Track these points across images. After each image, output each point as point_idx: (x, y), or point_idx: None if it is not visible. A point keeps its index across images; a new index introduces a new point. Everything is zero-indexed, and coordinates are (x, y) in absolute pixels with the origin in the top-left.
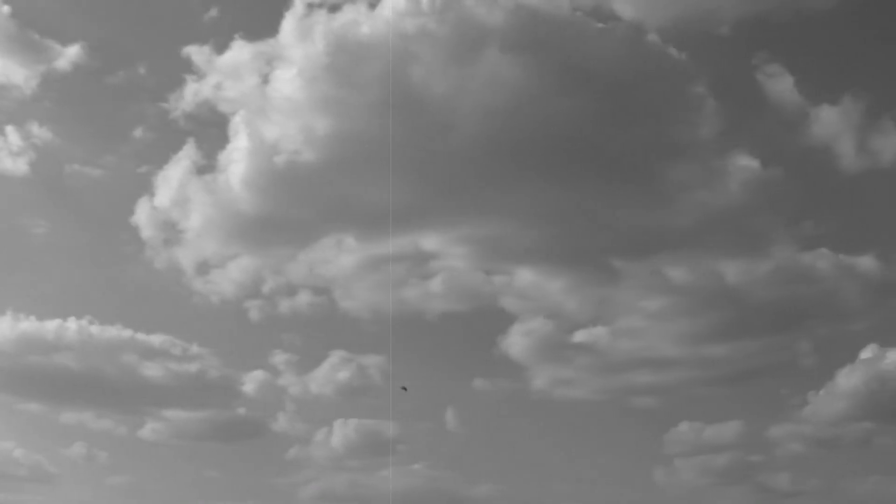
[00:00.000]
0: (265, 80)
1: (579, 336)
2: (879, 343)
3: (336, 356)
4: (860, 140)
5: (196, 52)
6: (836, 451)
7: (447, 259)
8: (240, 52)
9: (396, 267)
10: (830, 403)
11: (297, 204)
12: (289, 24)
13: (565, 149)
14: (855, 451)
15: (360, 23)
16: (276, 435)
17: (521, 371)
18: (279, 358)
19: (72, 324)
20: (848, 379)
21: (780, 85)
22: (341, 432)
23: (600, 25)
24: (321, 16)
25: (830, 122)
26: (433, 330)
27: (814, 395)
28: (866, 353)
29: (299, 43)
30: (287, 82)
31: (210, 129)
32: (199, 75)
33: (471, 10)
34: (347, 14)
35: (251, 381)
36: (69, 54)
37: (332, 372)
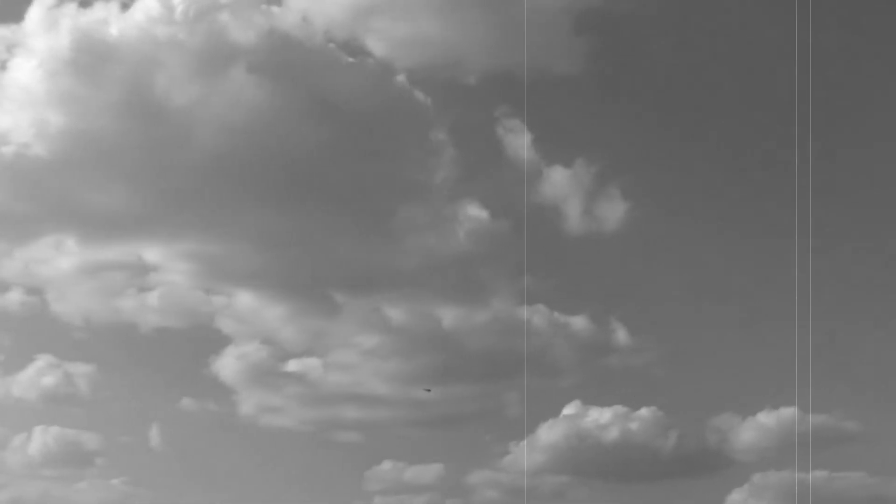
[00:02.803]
0: (2, 66)
1: (292, 365)
2: (582, 400)
3: (43, 360)
4: (587, 204)
5: None
6: (532, 501)
7: (168, 273)
8: None
9: (115, 275)
10: (530, 455)
11: (19, 198)
12: (36, 12)
13: (300, 176)
14: (549, 502)
15: (110, 22)
16: None
17: (229, 394)
18: None
19: None
20: (549, 432)
21: (519, 141)
22: (40, 439)
23: (351, 60)
24: (71, 9)
25: (561, 184)
26: (146, 344)
27: (515, 445)
28: (569, 410)
29: (44, 33)
30: (26, 72)
31: None
32: None
33: (223, 26)
34: (98, 12)
35: None
36: None
37: (38, 376)
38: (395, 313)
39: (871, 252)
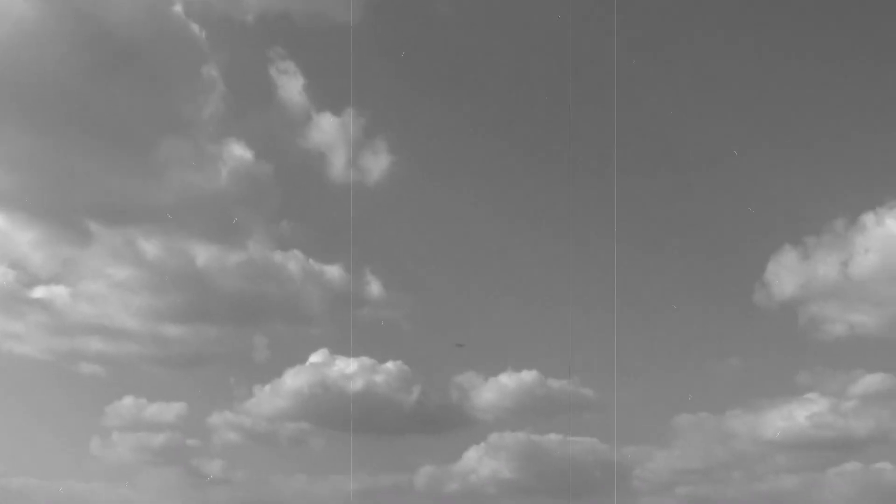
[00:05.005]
0: None
1: (38, 292)
2: (330, 349)
3: None
4: (353, 154)
5: None
6: (270, 446)
7: None
8: None
9: None
10: (273, 400)
11: None
12: None
13: (64, 100)
14: (289, 448)
15: None
16: None
17: None
18: None
19: None
20: (294, 379)
21: (291, 84)
22: None
23: None
24: None
25: (329, 131)
26: None
27: (259, 388)
28: (316, 358)
29: None
30: None
31: None
32: None
33: None
34: None
35: None
36: None
37: None
38: (149, 247)
39: (631, 228)
